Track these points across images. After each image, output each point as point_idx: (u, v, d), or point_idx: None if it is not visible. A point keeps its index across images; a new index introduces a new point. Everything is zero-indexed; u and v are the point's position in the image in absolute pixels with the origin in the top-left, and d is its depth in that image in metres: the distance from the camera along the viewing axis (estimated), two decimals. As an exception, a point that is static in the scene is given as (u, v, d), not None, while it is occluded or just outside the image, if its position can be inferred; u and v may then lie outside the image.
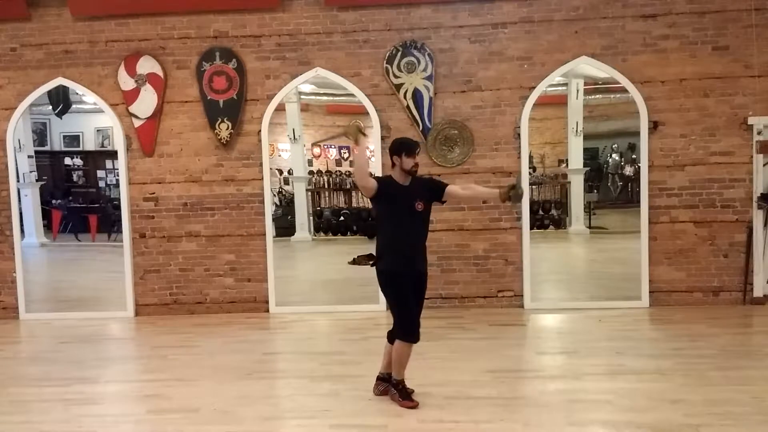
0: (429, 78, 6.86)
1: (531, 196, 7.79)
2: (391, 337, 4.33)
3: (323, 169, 14.94)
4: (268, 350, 5.98)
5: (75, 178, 14.83)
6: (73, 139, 14.73)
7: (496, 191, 4.29)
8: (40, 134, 14.28)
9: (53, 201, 13.39)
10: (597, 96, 13.05)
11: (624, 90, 6.89)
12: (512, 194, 4.15)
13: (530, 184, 7.47)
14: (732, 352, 5.27)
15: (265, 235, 7.14)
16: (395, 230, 4.15)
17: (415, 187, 4.22)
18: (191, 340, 6.18)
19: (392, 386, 4.30)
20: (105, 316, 7.19)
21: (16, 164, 7.53)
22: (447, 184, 4.34)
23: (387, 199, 4.14)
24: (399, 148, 4.19)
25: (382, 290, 4.35)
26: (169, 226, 7.19)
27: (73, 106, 11.11)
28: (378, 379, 4.48)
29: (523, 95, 6.84)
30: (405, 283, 4.14)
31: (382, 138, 6.96)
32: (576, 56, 6.77)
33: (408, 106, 6.89)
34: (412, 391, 4.36)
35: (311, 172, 14.31)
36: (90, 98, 7.41)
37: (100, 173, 14.75)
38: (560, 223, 12.06)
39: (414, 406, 4.20)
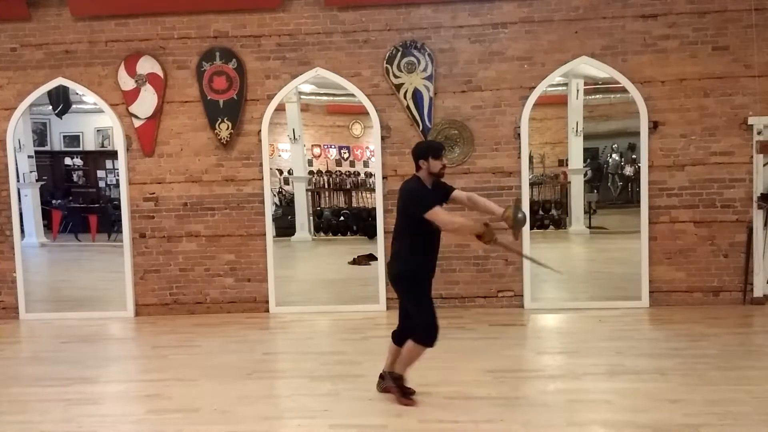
0: (429, 78, 6.86)
1: (531, 196, 7.78)
2: (397, 337, 4.31)
3: (323, 169, 14.96)
4: (268, 350, 5.98)
5: (75, 178, 14.86)
6: (73, 139, 14.74)
7: (499, 210, 4.17)
8: (40, 134, 14.30)
9: (53, 201, 13.41)
10: (597, 96, 13.07)
11: (624, 90, 6.89)
12: (515, 221, 4.00)
13: (530, 184, 7.46)
14: (732, 352, 5.27)
15: (265, 235, 7.14)
16: (424, 234, 4.07)
17: (436, 191, 4.17)
18: (191, 340, 6.17)
19: (392, 380, 4.28)
20: (105, 316, 7.20)
21: (16, 164, 7.52)
22: (453, 189, 4.30)
23: None
24: (426, 151, 4.11)
25: (403, 293, 4.19)
26: (169, 226, 7.19)
27: (73, 106, 11.12)
28: (381, 377, 4.47)
29: (523, 95, 6.84)
30: (427, 285, 4.15)
31: (382, 138, 6.96)
32: (576, 56, 6.77)
33: (408, 106, 6.89)
34: (413, 392, 4.36)
35: (311, 172, 14.33)
36: (90, 98, 7.41)
37: (100, 173, 14.78)
38: (560, 223, 12.06)
39: (412, 404, 4.21)
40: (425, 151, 4.11)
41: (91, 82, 7.13)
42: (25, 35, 7.09)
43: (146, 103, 7.05)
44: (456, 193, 4.27)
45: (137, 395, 4.80)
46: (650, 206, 6.79)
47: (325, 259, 10.76)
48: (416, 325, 4.11)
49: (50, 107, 11.13)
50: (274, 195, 12.89)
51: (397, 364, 4.28)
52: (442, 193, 4.22)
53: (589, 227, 11.79)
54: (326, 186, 14.22)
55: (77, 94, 8.63)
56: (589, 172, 13.40)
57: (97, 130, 14.53)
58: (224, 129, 7.03)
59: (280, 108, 9.77)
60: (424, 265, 4.15)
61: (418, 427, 3.98)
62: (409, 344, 4.13)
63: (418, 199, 4.02)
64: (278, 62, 7.00)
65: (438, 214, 3.95)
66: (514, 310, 6.87)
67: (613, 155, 14.97)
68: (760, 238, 6.72)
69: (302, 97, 13.33)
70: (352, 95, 7.09)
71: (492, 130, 6.89)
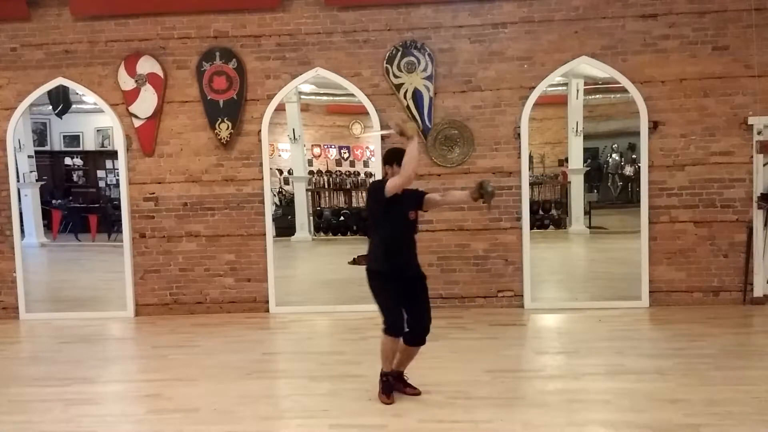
0: (429, 78, 6.86)
1: (531, 196, 7.79)
2: (405, 335, 4.33)
3: (323, 169, 14.96)
4: (268, 350, 5.98)
5: (75, 178, 14.85)
6: (73, 139, 14.74)
7: (467, 192, 4.32)
8: (40, 134, 14.29)
9: (53, 201, 13.40)
10: (597, 96, 13.06)
11: (624, 90, 6.89)
12: (482, 192, 4.16)
13: (530, 184, 7.47)
14: (732, 352, 5.27)
15: (265, 235, 7.14)
16: (392, 234, 4.25)
17: (407, 197, 4.28)
18: (191, 340, 6.17)
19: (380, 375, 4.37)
20: (105, 316, 7.19)
21: (16, 164, 7.53)
22: (425, 193, 4.43)
23: (394, 202, 4.18)
24: (392, 157, 4.28)
25: (369, 287, 4.41)
26: (169, 226, 7.19)
27: (73, 106, 11.10)
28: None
29: (523, 95, 6.83)
30: (391, 283, 4.25)
31: (382, 138, 6.96)
32: (576, 56, 6.77)
33: (408, 106, 6.89)
34: (418, 393, 4.39)
35: (311, 172, 14.33)
36: (90, 98, 7.41)
37: (100, 173, 14.77)
38: (560, 223, 12.06)
39: (387, 402, 4.27)
40: (391, 157, 4.28)
41: (91, 82, 7.13)
42: (25, 35, 7.09)
43: (146, 103, 7.05)
44: (429, 196, 4.41)
45: (137, 395, 4.80)
46: (650, 206, 6.78)
47: (325, 259, 10.76)
48: (383, 319, 4.28)
49: (50, 107, 11.12)
50: (274, 195, 12.88)
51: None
52: (414, 199, 4.33)
53: (589, 227, 11.79)
54: (326, 186, 14.21)
55: (77, 94, 8.63)
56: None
57: (97, 130, 14.52)
58: (224, 129, 7.03)
59: (280, 108, 9.77)
60: (390, 265, 4.25)
61: (418, 427, 3.98)
62: (381, 338, 4.28)
63: (375, 189, 4.28)
64: (278, 62, 7.00)
65: (395, 179, 4.10)
66: (514, 310, 6.87)
67: (613, 155, 14.97)
68: (760, 238, 6.72)
69: (302, 97, 13.33)
70: (352, 95, 7.08)
71: (492, 130, 6.89)
